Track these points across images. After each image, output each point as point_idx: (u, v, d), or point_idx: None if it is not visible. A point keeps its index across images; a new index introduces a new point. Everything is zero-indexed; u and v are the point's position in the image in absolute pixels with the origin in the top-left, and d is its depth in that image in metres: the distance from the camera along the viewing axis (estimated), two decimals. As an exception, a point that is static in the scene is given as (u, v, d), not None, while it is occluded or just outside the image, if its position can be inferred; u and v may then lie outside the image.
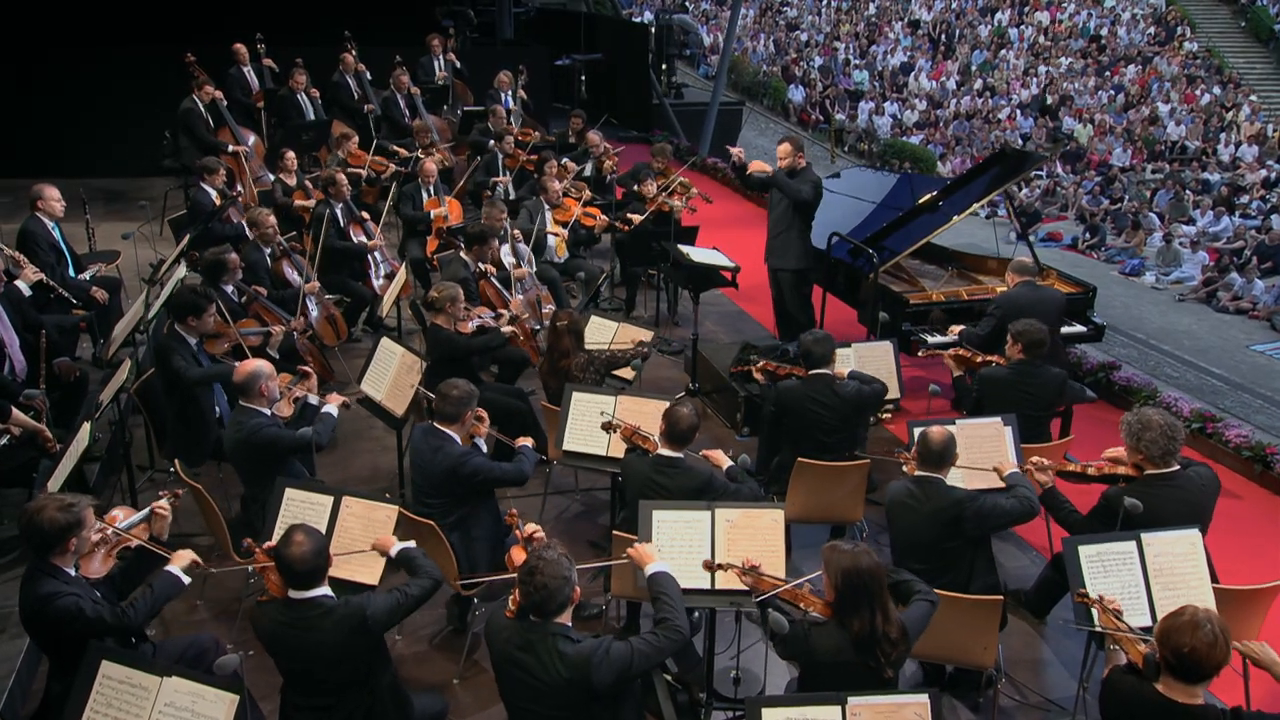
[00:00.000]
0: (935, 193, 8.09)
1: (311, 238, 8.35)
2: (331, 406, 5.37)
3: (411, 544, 4.21)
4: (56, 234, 7.25)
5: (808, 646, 3.75)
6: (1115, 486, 4.82)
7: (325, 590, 3.73)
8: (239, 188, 10.29)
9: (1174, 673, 3.32)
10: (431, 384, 6.38)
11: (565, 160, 10.15)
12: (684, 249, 7.75)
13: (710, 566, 4.17)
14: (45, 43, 12.24)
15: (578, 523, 6.38)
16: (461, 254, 7.43)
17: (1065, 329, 7.58)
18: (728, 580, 4.23)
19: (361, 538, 4.52)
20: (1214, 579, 4.77)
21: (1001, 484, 4.95)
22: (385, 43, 12.55)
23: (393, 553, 4.17)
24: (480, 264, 7.35)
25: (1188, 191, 20.36)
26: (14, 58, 12.04)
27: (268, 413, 5.06)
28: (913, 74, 25.85)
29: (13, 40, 12.08)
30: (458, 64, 13.18)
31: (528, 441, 5.16)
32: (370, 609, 3.70)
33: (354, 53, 11.94)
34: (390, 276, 8.46)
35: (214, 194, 8.60)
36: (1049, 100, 25.13)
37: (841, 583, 3.67)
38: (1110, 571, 4.36)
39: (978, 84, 25.56)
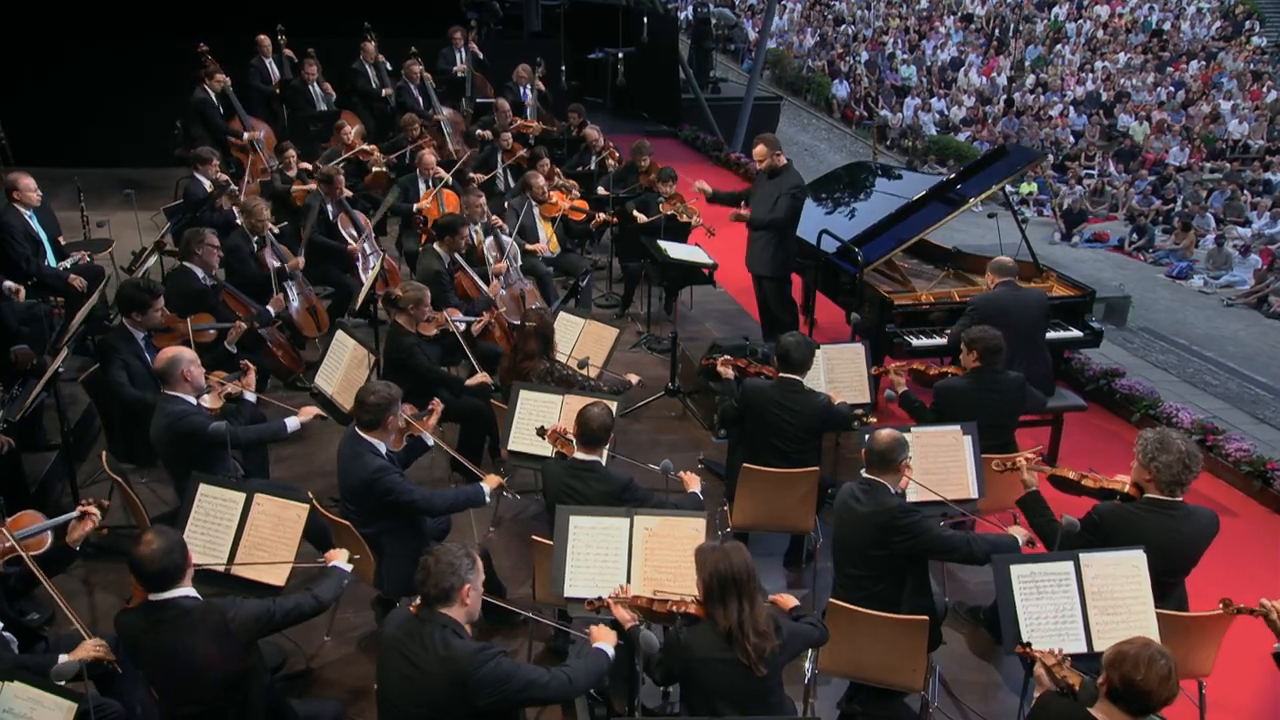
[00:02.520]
0: (929, 189, 7.78)
1: (304, 225, 8.32)
2: (295, 419, 5.26)
3: (349, 568, 4.10)
4: (34, 223, 7.28)
5: (683, 649, 3.63)
6: (1108, 503, 4.54)
7: (185, 591, 3.58)
8: (247, 178, 10.36)
9: (1117, 700, 3.18)
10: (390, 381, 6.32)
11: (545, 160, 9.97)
12: (663, 245, 7.56)
13: (593, 606, 3.99)
14: (68, 36, 12.38)
15: (535, 524, 6.20)
16: (435, 246, 7.31)
17: (1061, 333, 7.24)
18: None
19: (271, 536, 4.44)
20: (1183, 603, 4.52)
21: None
22: (407, 34, 12.51)
23: (331, 564, 4.09)
24: (454, 254, 7.24)
25: (1245, 192, 19.61)
26: (38, 51, 12.23)
27: (193, 401, 4.96)
28: (962, 69, 25.23)
29: (37, 35, 12.26)
30: (480, 55, 13.11)
31: (488, 484, 4.94)
32: (233, 612, 3.57)
33: (374, 43, 11.95)
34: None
35: (207, 184, 8.59)
36: (1104, 97, 24.38)
37: (710, 578, 3.59)
38: (1044, 593, 4.11)
39: (1030, 80, 24.87)
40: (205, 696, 3.59)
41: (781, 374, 5.49)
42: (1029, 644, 3.82)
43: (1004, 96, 24.28)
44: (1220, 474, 6.85)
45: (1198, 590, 5.61)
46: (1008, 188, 20.62)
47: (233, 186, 8.74)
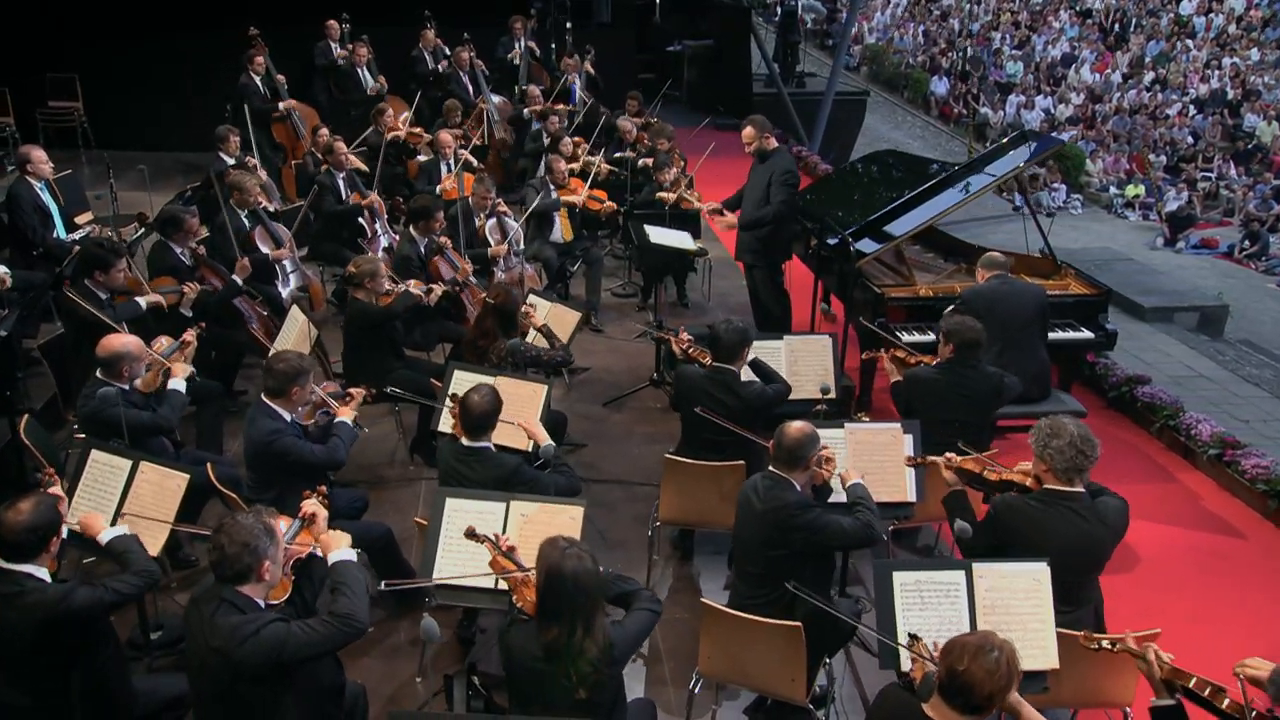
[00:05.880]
0: (940, 178, 7.32)
1: (309, 204, 8.39)
2: (178, 381, 5.17)
3: (124, 530, 3.96)
4: (45, 196, 7.47)
5: (504, 648, 3.40)
6: (1004, 495, 4.18)
7: (34, 570, 3.49)
8: (292, 160, 10.54)
9: (945, 694, 2.92)
10: (350, 358, 6.28)
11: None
12: (648, 229, 7.32)
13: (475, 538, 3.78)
14: (144, 27, 12.78)
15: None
16: (409, 229, 7.23)
17: (1072, 334, 6.71)
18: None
19: (152, 505, 4.41)
20: (1099, 626, 4.10)
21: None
22: (467, 22, 12.55)
23: (101, 540, 3.89)
24: (430, 238, 7.15)
25: (1382, 198, 18.12)
26: (116, 38, 12.69)
27: (125, 388, 4.94)
28: (1074, 66, 24.01)
29: (115, 22, 12.71)
30: (536, 50, 13.08)
31: (347, 416, 4.87)
32: (67, 602, 3.44)
33: (433, 30, 12.04)
34: (389, 250, 8.37)
35: (230, 162, 8.74)
36: (1230, 95, 22.87)
37: (543, 584, 3.28)
38: (929, 604, 3.74)
39: (1148, 77, 23.52)
40: (33, 677, 3.50)
41: (714, 362, 5.22)
42: (919, 637, 3.50)
43: (1118, 94, 23.04)
44: (1236, 492, 6.25)
45: (1186, 614, 5.17)
46: (1112, 189, 19.46)
47: (253, 162, 8.83)
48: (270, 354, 4.83)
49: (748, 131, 7.07)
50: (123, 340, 4.95)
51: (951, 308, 6.14)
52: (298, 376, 4.67)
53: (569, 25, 12.87)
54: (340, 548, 3.59)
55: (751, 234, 7.19)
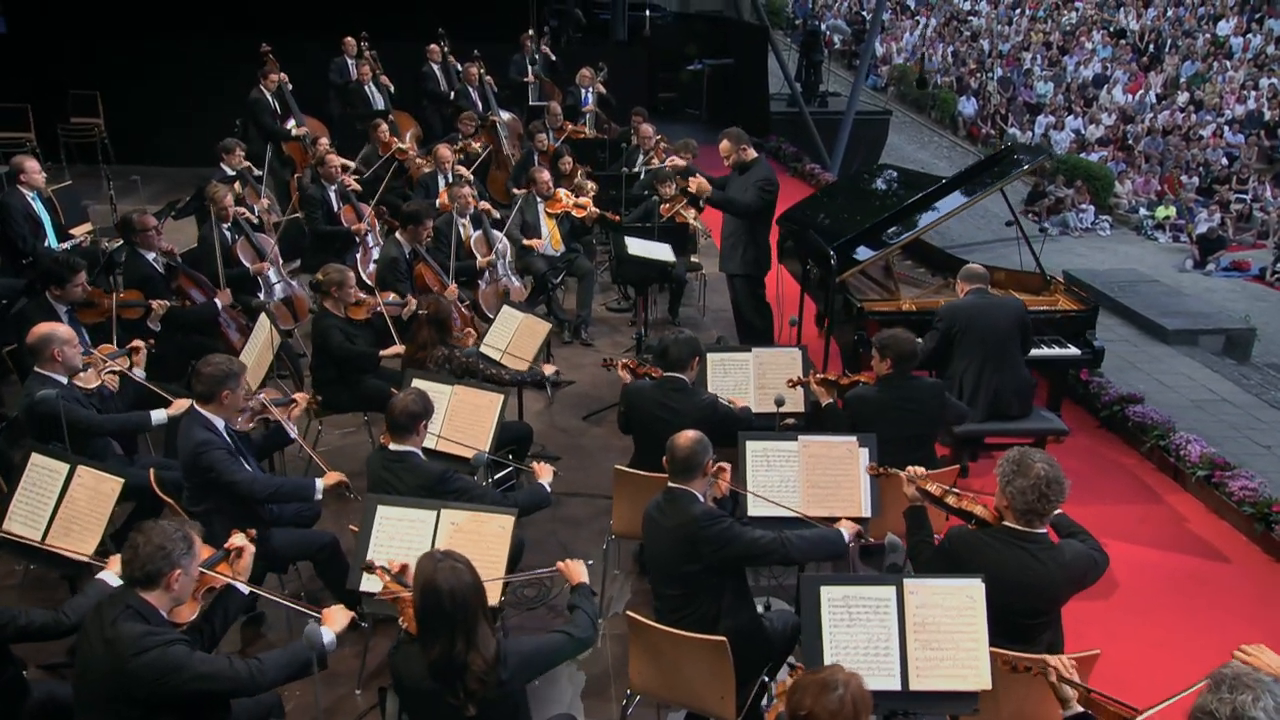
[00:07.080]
0: (929, 191, 7.18)
1: (305, 217, 8.41)
2: (161, 413, 5.10)
3: (116, 585, 3.71)
4: (37, 205, 7.57)
5: (393, 669, 3.29)
6: (960, 528, 4.01)
7: None
8: (299, 174, 10.60)
9: None
10: (319, 371, 6.22)
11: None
12: (627, 240, 7.24)
13: (370, 568, 3.71)
14: (163, 45, 12.97)
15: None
16: (397, 234, 7.21)
17: (1058, 350, 6.52)
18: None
19: (86, 509, 4.40)
20: (1056, 647, 3.92)
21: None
22: (479, 38, 12.61)
23: (99, 575, 3.81)
24: (415, 245, 7.12)
25: None
26: (136, 55, 12.87)
27: (63, 380, 4.91)
28: (1106, 87, 23.66)
29: (135, 43, 12.90)
30: (552, 57, 13.11)
31: (332, 480, 4.70)
32: None
33: (445, 46, 12.10)
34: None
35: (231, 174, 8.78)
36: (1268, 116, 22.42)
37: (419, 600, 3.15)
38: (856, 620, 3.59)
39: (1182, 98, 23.12)
40: None
41: (665, 373, 5.12)
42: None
43: (1150, 115, 22.67)
44: (1224, 514, 6.02)
45: (1155, 640, 4.96)
46: (1142, 210, 19.12)
47: (256, 173, 8.90)
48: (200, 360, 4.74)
49: (724, 145, 6.99)
50: (50, 325, 4.93)
51: (933, 324, 6.02)
52: (226, 380, 4.54)
53: (528, 34, 12.82)
54: (333, 625, 3.50)
55: (731, 244, 7.10)
